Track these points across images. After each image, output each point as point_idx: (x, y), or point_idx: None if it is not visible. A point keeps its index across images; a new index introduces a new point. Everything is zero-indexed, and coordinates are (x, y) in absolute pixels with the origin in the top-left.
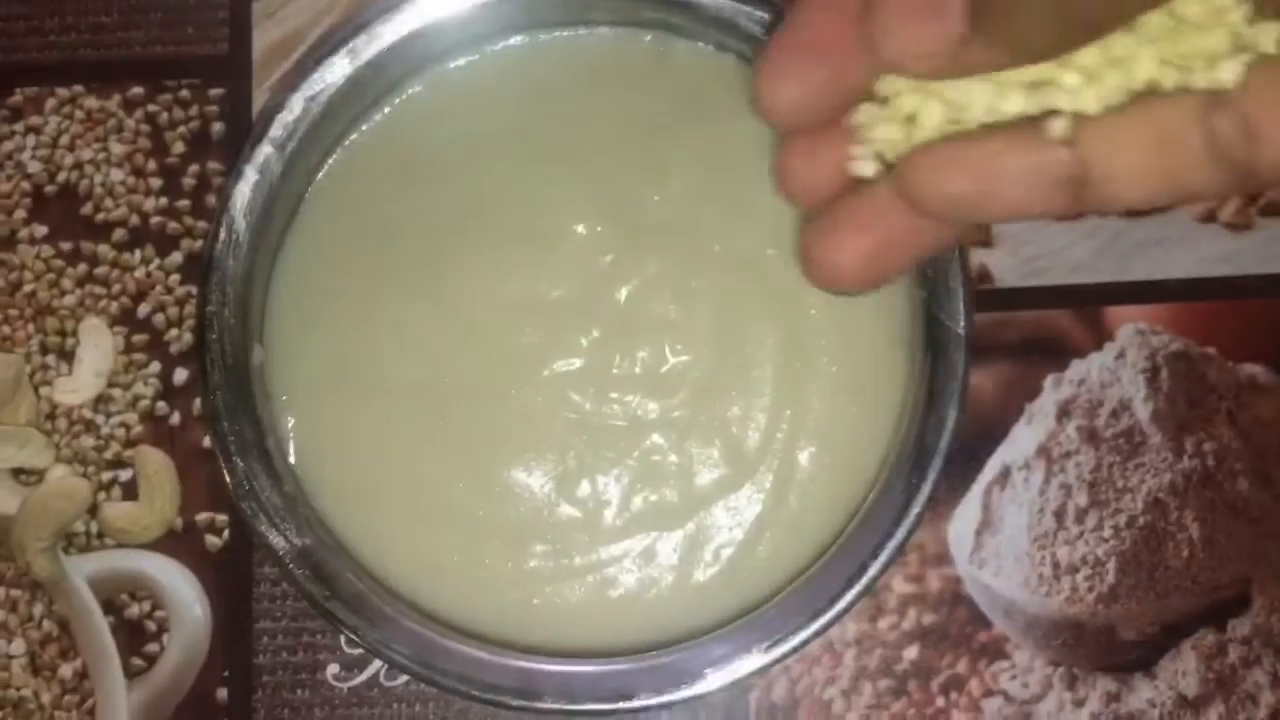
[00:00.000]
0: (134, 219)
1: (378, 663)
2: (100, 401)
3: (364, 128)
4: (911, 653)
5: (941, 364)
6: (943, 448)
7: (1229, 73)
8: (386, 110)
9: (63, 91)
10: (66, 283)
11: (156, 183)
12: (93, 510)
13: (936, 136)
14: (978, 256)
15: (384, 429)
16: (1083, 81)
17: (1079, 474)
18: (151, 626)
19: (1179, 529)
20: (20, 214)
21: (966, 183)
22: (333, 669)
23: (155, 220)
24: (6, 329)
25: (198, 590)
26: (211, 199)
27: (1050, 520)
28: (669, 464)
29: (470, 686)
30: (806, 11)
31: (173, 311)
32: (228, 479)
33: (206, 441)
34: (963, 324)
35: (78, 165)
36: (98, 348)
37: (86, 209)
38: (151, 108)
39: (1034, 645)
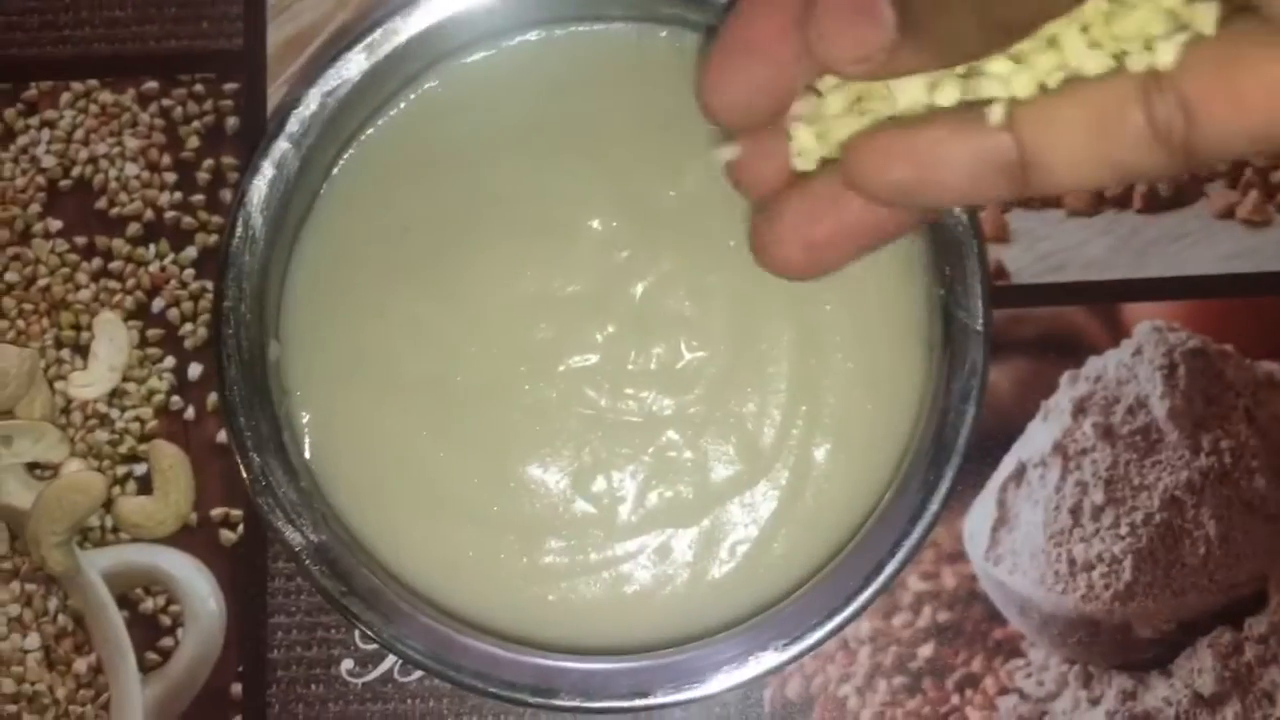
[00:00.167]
0: (148, 213)
1: (392, 658)
2: (115, 396)
3: (380, 123)
4: (926, 650)
5: (959, 361)
6: (961, 445)
7: (1167, 54)
8: (402, 105)
9: (77, 86)
10: (81, 277)
11: (171, 177)
12: (107, 505)
13: (874, 125)
14: (993, 253)
15: (399, 424)
16: (1013, 68)
17: (1095, 471)
18: (166, 621)
19: (1195, 527)
20: (35, 208)
21: (909, 170)
22: (347, 664)
23: (170, 215)
24: (21, 323)
25: (212, 585)
26: (226, 194)
27: (1066, 517)
28: (684, 460)
29: (487, 683)
30: (748, 13)
31: (187, 306)
32: (244, 474)
33: (221, 436)
34: (981, 321)
35: (92, 159)
36: (112, 342)
37: (101, 203)
38: (166, 102)
39: (1049, 643)
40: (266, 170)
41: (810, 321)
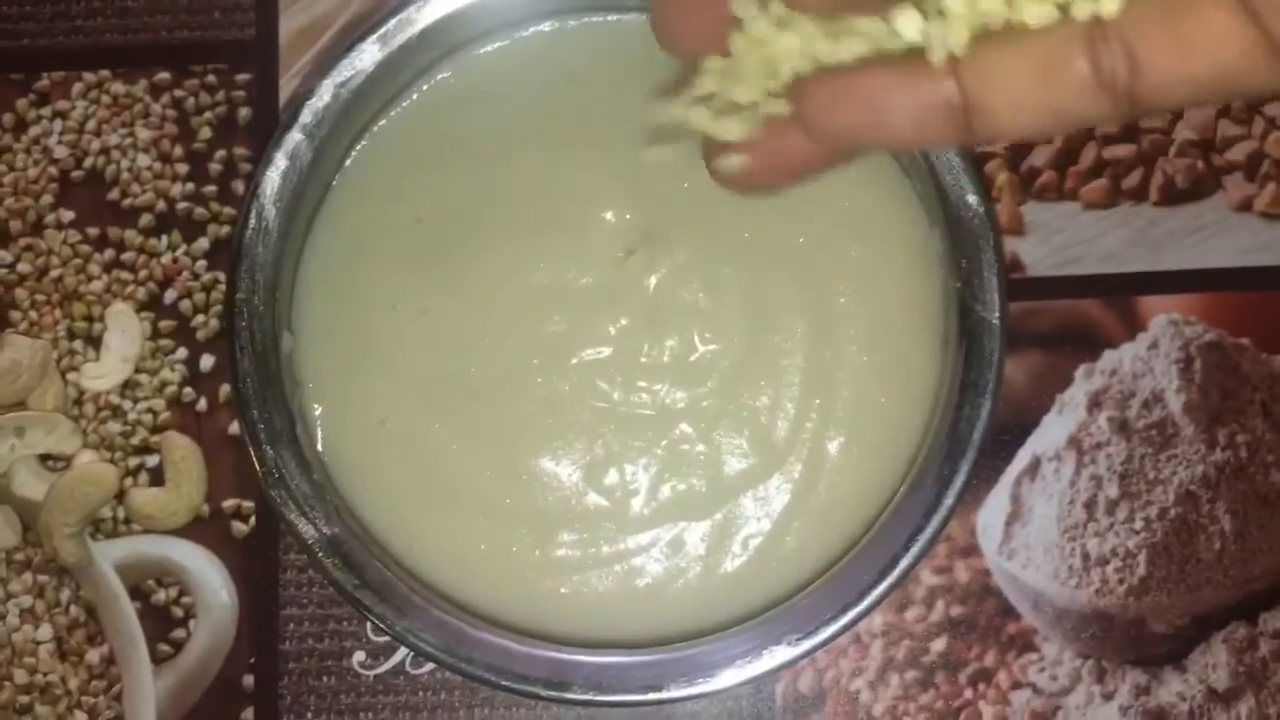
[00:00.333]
0: (160, 204)
1: (404, 650)
2: (127, 387)
3: (393, 114)
4: (939, 644)
5: (975, 354)
6: (976, 439)
7: (1111, 1)
8: (415, 96)
9: (89, 76)
10: (94, 268)
11: (183, 168)
12: (120, 496)
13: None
14: (1009, 245)
15: (411, 417)
16: (962, 9)
17: (1110, 465)
18: (178, 612)
19: (1211, 521)
20: (47, 199)
21: (856, 114)
22: (359, 656)
23: (182, 206)
24: (34, 314)
25: (224, 576)
26: (238, 184)
27: (1080, 512)
28: (697, 453)
29: (499, 676)
30: None
31: (199, 297)
32: (257, 467)
33: (233, 427)
34: (997, 314)
35: (104, 150)
36: (125, 333)
37: (113, 194)
38: (178, 93)
39: (1063, 637)
40: (279, 161)
41: (824, 314)
